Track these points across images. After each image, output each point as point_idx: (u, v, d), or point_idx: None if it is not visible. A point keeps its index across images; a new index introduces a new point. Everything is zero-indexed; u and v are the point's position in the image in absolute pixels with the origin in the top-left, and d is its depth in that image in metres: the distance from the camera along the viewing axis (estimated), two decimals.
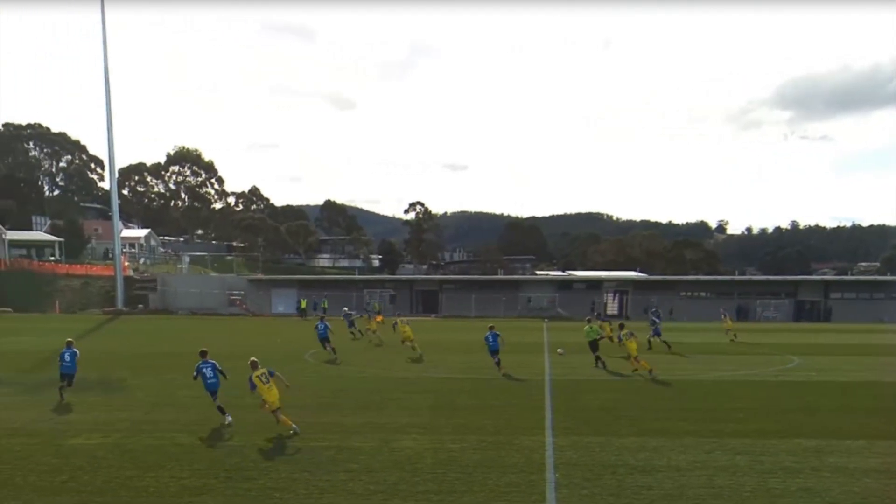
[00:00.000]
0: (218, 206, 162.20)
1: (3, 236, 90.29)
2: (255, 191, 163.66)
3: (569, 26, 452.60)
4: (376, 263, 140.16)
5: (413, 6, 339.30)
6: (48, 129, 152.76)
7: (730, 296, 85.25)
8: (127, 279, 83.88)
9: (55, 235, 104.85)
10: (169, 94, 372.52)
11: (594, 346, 32.05)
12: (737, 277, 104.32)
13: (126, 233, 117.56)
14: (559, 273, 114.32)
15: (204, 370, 20.48)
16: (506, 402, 23.41)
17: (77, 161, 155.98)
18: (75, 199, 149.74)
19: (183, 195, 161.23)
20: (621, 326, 31.92)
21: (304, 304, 73.51)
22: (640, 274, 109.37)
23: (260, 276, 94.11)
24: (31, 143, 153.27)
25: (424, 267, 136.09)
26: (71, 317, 70.23)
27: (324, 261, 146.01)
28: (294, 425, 18.35)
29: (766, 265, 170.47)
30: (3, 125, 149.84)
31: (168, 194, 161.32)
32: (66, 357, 23.80)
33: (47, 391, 25.13)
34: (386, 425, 19.46)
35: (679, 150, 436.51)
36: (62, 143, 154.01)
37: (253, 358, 19.61)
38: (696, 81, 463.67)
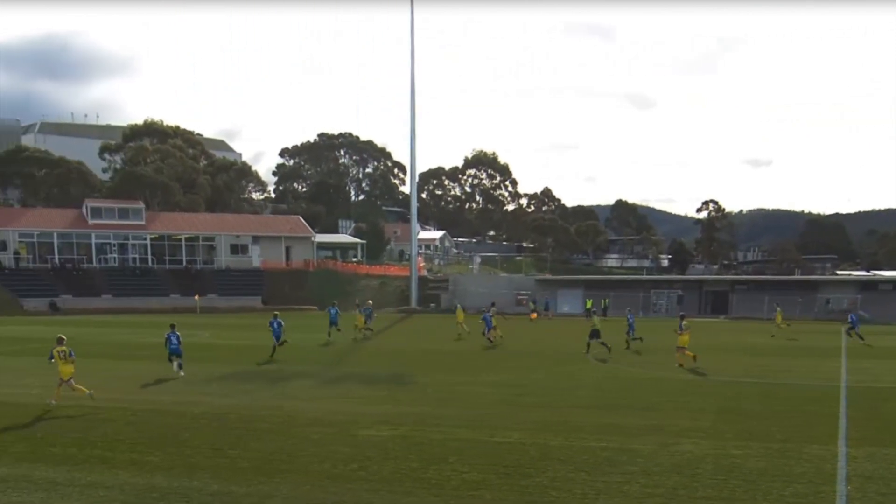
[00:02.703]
0: (510, 207, 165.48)
1: (313, 239, 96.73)
2: (547, 192, 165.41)
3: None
4: (665, 263, 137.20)
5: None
6: (357, 137, 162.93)
7: None
8: (421, 279, 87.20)
9: (358, 238, 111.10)
10: (469, 98, 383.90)
11: None
12: None
13: (423, 235, 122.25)
14: (862, 273, 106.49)
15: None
16: (795, 408, 22.02)
17: (382, 167, 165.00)
18: (378, 203, 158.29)
19: (477, 197, 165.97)
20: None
21: (589, 304, 73.28)
22: None
23: (547, 275, 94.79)
24: (341, 152, 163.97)
25: (715, 267, 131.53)
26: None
27: (611, 261, 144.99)
28: (53, 401, 21.28)
29: None
30: (319, 135, 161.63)
31: (463, 197, 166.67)
32: (174, 340, 27.97)
33: (344, 384, 26.71)
34: (666, 428, 18.85)
35: None
36: (369, 151, 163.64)
37: (60, 335, 22.72)
38: None
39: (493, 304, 46.06)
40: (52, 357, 22.01)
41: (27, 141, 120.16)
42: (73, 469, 14.69)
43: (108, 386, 25.61)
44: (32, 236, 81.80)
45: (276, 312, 37.33)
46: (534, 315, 66.71)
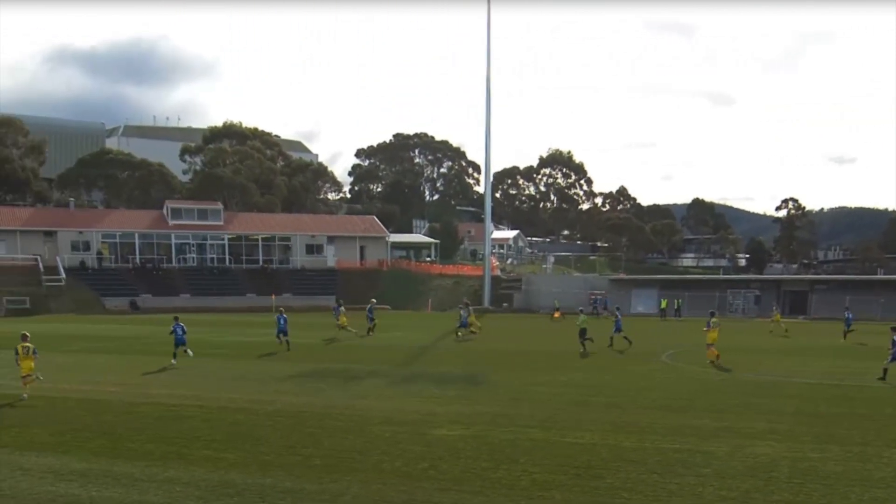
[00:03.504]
0: (585, 206, 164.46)
1: (387, 239, 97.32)
2: (622, 191, 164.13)
3: None
4: (742, 263, 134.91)
5: None
6: (432, 137, 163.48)
7: None
8: (494, 279, 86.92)
9: (432, 237, 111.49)
10: (545, 96, 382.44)
11: None
12: None
13: (496, 234, 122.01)
14: None
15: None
16: (877, 411, 21.51)
17: (456, 167, 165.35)
18: (452, 202, 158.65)
19: (552, 196, 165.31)
20: None
21: (664, 304, 72.44)
22: None
23: (622, 275, 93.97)
24: (416, 152, 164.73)
25: (794, 266, 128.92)
26: (440, 314, 73.70)
27: (687, 260, 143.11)
28: (25, 395, 22.44)
29: None
30: (394, 136, 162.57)
31: (538, 196, 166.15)
32: (179, 331, 31.77)
33: (416, 383, 26.86)
34: (742, 430, 18.58)
35: None
36: (444, 151, 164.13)
37: (24, 332, 23.87)
38: None
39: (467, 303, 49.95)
40: (16, 353, 23.31)
41: (111, 144, 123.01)
42: (150, 465, 15.04)
43: (184, 383, 26.21)
44: (115, 237, 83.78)
45: (281, 308, 40.72)
46: (557, 314, 65.90)
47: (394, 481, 13.97)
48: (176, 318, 32.93)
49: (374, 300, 52.18)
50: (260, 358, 34.50)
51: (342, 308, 46.38)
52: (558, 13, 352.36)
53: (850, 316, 48.08)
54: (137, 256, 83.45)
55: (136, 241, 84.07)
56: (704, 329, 33.16)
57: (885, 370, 27.31)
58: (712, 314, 34.23)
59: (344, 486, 13.61)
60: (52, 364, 31.62)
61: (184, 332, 32.06)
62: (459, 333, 45.15)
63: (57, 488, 13.46)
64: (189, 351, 32.36)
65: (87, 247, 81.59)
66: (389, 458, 15.61)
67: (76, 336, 43.33)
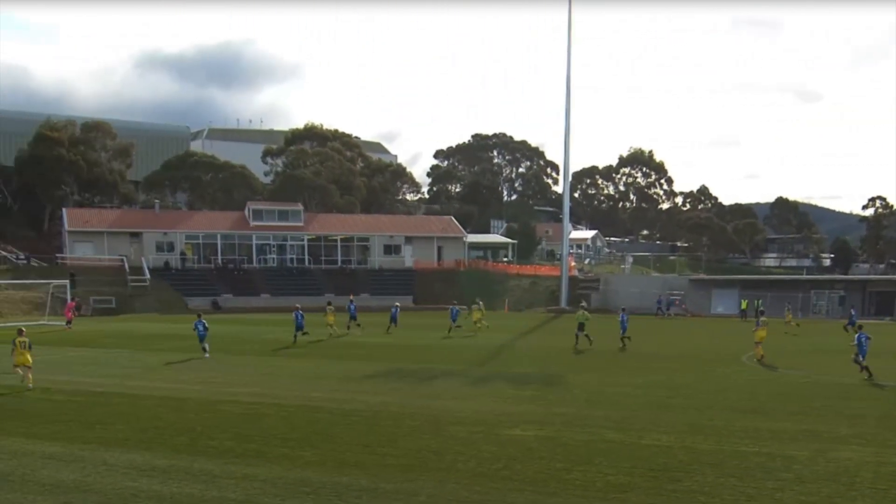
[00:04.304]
0: (665, 206, 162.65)
1: (465, 239, 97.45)
2: (703, 190, 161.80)
3: None
4: (827, 263, 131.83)
5: None
6: (511, 137, 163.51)
7: None
8: (571, 279, 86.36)
9: (510, 238, 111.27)
10: (626, 95, 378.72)
11: None
12: None
13: (574, 234, 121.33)
14: None
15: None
16: None
17: (535, 167, 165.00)
18: (530, 202, 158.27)
19: (631, 196, 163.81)
20: None
21: (744, 305, 71.03)
22: None
23: (702, 275, 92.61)
24: (494, 152, 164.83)
25: (882, 266, 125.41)
26: (517, 314, 73.84)
27: (770, 260, 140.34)
28: (30, 385, 24.46)
29: None
30: (473, 136, 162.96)
31: (617, 196, 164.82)
32: (200, 327, 34.19)
33: (492, 383, 26.91)
34: (823, 434, 18.22)
35: None
36: (523, 151, 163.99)
37: (21, 327, 26.63)
38: None
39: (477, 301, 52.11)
40: (14, 346, 25.38)
41: (195, 146, 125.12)
42: (229, 462, 15.36)
43: (264, 382, 26.65)
44: (198, 238, 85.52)
45: (297, 306, 42.63)
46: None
47: (468, 481, 14.02)
48: (199, 316, 35.63)
49: (352, 296, 54.22)
50: (338, 358, 34.87)
51: (331, 307, 47.21)
52: (640, 12, 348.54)
53: (855, 314, 50.03)
54: (219, 257, 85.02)
55: (219, 242, 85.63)
56: (753, 329, 34.23)
57: None
58: (761, 313, 36.25)
59: (419, 486, 13.71)
60: (137, 363, 32.64)
61: (205, 328, 34.41)
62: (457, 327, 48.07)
63: (139, 484, 13.84)
64: (206, 349, 34.23)
65: (171, 247, 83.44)
66: (464, 458, 15.66)
67: (159, 335, 44.37)
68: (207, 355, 33.70)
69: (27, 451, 16.34)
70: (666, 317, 72.54)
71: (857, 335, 28.50)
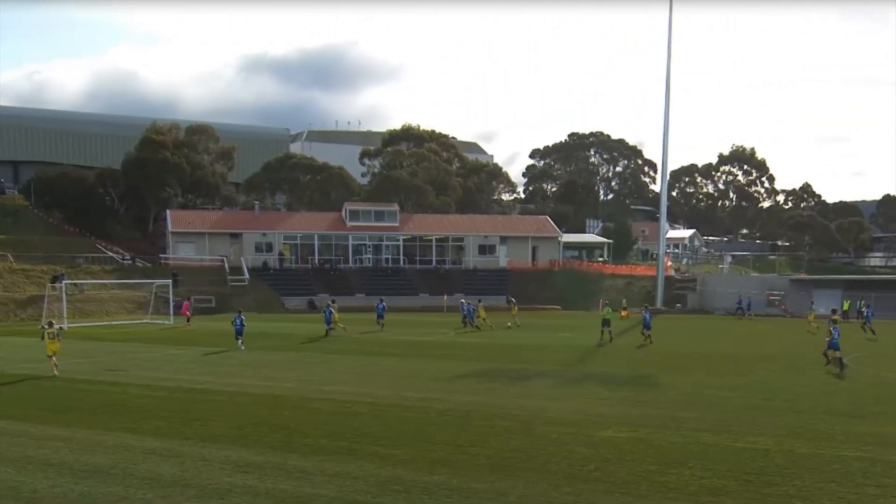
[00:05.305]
0: (765, 204, 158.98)
1: (559, 239, 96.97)
2: (806, 187, 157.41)
3: None
4: None
5: None
6: (608, 136, 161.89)
7: None
8: (668, 279, 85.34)
9: (605, 237, 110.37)
10: (727, 91, 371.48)
11: None
12: None
13: (671, 233, 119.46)
14: None
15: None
16: None
17: (632, 165, 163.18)
18: (626, 201, 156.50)
19: (731, 194, 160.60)
20: None
21: (846, 306, 68.73)
22: None
23: (803, 275, 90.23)
24: (591, 151, 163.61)
25: None
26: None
27: (875, 260, 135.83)
28: (56, 372, 27.35)
29: None
30: (569, 135, 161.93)
31: (716, 194, 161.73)
32: (237, 322, 37.30)
33: (585, 384, 26.78)
34: None
35: None
36: (620, 149, 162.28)
37: (51, 319, 31.20)
38: None
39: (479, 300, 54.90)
40: (42, 337, 28.45)
41: (294, 148, 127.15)
42: (322, 459, 15.60)
43: (357, 381, 26.98)
44: (296, 238, 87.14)
45: (328, 302, 46.06)
46: (624, 313, 62.87)
47: (559, 482, 13.97)
48: (239, 312, 38.65)
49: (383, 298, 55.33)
50: (432, 357, 35.07)
51: (335, 304, 48.05)
52: (740, 10, 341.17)
53: (870, 312, 50.78)
54: (316, 257, 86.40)
55: (316, 243, 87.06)
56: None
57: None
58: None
59: (509, 486, 13.71)
60: (233, 360, 33.36)
61: (242, 324, 37.30)
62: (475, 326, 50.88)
63: (235, 479, 14.16)
64: (241, 343, 37.05)
65: (269, 248, 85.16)
66: (555, 459, 15.62)
67: (256, 334, 45.32)
68: (242, 348, 36.64)
69: (129, 445, 16.87)
70: (747, 317, 70.52)
71: None
